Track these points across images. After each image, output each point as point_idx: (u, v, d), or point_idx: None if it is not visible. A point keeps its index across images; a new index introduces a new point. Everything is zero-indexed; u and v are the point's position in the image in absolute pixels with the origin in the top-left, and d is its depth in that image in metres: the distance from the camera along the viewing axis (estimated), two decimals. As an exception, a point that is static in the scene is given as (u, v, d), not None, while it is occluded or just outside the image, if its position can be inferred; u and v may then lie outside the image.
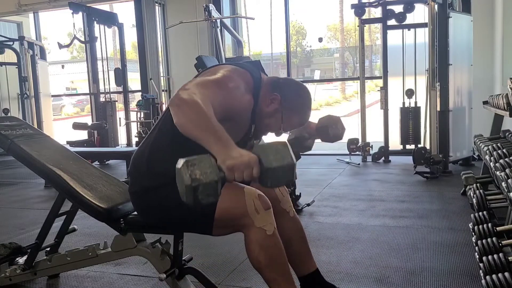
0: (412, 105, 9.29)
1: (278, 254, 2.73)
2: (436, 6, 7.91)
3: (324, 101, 30.89)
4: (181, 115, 2.39)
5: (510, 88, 4.54)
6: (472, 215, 4.09)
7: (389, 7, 9.41)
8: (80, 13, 11.36)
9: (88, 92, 13.02)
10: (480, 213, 4.02)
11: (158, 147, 2.88)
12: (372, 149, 9.92)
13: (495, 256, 3.04)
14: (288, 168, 2.24)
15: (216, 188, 2.15)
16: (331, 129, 3.16)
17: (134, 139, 11.73)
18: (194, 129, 2.36)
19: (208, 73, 2.75)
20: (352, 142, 9.86)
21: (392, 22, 9.50)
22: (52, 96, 14.43)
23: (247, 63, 3.00)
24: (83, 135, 11.84)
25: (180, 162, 2.17)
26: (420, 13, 9.11)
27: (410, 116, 9.30)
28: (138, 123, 11.44)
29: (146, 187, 2.88)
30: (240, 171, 2.21)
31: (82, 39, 12.31)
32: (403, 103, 9.35)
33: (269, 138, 3.03)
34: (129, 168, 3.06)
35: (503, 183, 3.31)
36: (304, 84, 3.01)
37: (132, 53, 23.22)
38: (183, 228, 2.77)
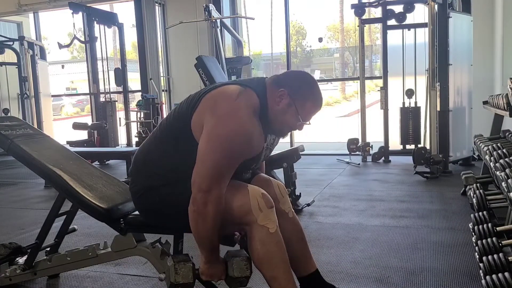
0: (412, 105, 9.29)
1: (279, 252, 2.76)
2: (436, 6, 7.91)
3: (324, 101, 30.74)
4: (194, 224, 2.71)
5: (510, 88, 4.54)
6: (472, 215, 4.10)
7: (389, 7, 9.41)
8: (80, 13, 11.36)
9: (88, 92, 13.03)
10: (480, 213, 4.03)
11: (160, 147, 2.90)
12: (372, 149, 9.92)
13: (495, 256, 3.04)
14: (244, 278, 2.90)
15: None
16: None
17: (134, 139, 11.73)
18: (197, 238, 2.77)
19: (215, 115, 2.70)
20: (352, 142, 9.87)
21: (392, 22, 9.50)
22: (52, 96, 14.41)
23: (251, 80, 2.99)
24: (83, 135, 11.85)
25: (170, 261, 2.95)
26: (420, 13, 9.11)
27: (410, 116, 9.30)
28: (138, 123, 11.44)
29: (147, 186, 2.90)
30: (208, 277, 2.94)
31: (82, 39, 12.32)
32: (403, 103, 9.35)
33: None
34: (131, 168, 3.07)
35: (503, 183, 3.31)
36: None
37: (132, 53, 23.23)
38: (185, 227, 2.77)
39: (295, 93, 2.81)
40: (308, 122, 2.93)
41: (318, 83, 2.96)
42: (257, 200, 2.72)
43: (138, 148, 3.15)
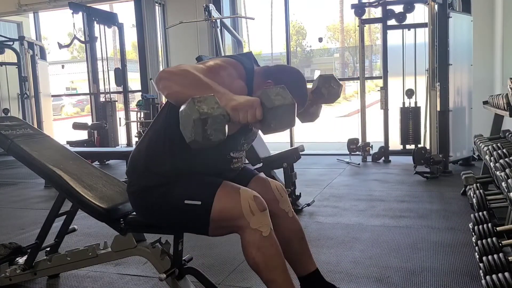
0: (412, 105, 9.30)
1: (275, 255, 2.72)
2: (436, 6, 7.91)
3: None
4: (173, 84, 2.40)
5: (510, 88, 4.54)
6: (472, 215, 4.10)
7: (389, 7, 9.42)
8: (80, 13, 11.37)
9: (88, 92, 13.04)
10: (480, 213, 4.03)
11: (154, 147, 2.89)
12: (372, 149, 9.92)
13: (495, 256, 3.05)
14: (289, 108, 2.31)
15: (224, 122, 2.20)
16: (324, 88, 3.12)
17: (134, 139, 11.75)
18: (189, 91, 2.33)
19: (200, 64, 2.69)
20: (352, 142, 9.87)
21: (392, 22, 9.50)
22: (52, 96, 14.41)
23: (239, 55, 2.98)
24: (83, 135, 11.86)
25: (185, 102, 2.19)
26: (420, 13, 9.11)
27: (410, 116, 9.30)
28: (138, 123, 11.45)
29: (144, 187, 2.88)
30: (244, 111, 2.28)
31: (82, 39, 12.32)
32: (403, 103, 9.36)
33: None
34: (127, 169, 3.06)
35: (503, 183, 3.31)
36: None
37: (132, 53, 23.24)
38: (180, 228, 2.77)
39: None
40: None
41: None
42: (248, 204, 2.67)
43: (134, 148, 3.14)
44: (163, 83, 2.41)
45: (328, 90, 3.13)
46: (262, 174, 3.25)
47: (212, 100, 2.18)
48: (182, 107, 2.20)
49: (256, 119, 2.31)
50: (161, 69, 12.50)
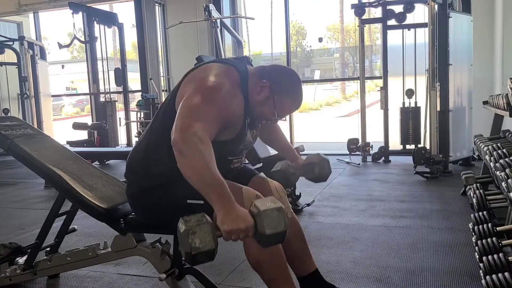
0: (412, 105, 9.29)
1: (276, 255, 2.74)
2: (436, 6, 7.91)
3: (324, 101, 30.93)
4: (186, 166, 2.43)
5: (510, 88, 4.54)
6: (472, 215, 4.10)
7: (389, 7, 9.41)
8: (80, 13, 11.37)
9: (88, 92, 13.04)
10: (480, 213, 4.03)
11: (152, 148, 2.90)
12: (372, 149, 9.92)
13: (495, 256, 3.05)
14: (279, 235, 2.34)
15: (213, 254, 2.29)
16: (317, 168, 3.16)
17: (134, 139, 11.75)
18: (197, 183, 2.41)
19: (194, 82, 2.71)
20: (352, 142, 9.87)
21: (392, 22, 9.50)
22: (52, 96, 14.42)
23: (233, 59, 2.99)
24: (83, 135, 11.86)
25: (182, 228, 2.25)
26: (420, 13, 9.11)
27: (410, 116, 9.30)
28: (138, 123, 11.45)
29: (143, 188, 2.89)
30: (236, 235, 2.32)
31: (82, 39, 12.32)
32: (403, 103, 9.35)
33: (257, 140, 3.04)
34: (125, 171, 3.06)
35: (503, 183, 3.31)
36: (302, 81, 2.99)
37: (132, 53, 23.23)
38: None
39: (277, 88, 2.79)
40: (283, 119, 2.95)
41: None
42: (251, 203, 2.65)
43: (132, 148, 3.13)
44: (178, 157, 2.44)
45: (321, 171, 3.17)
46: (261, 174, 3.25)
47: (206, 230, 2.25)
48: (179, 228, 2.27)
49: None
50: (161, 69, 12.55)
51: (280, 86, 2.80)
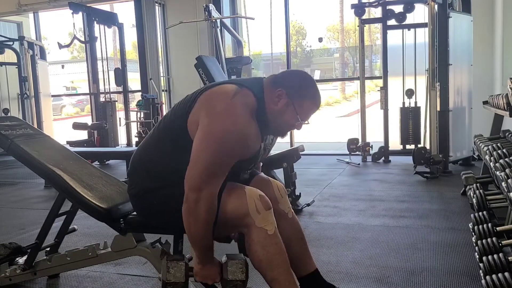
0: (412, 105, 9.29)
1: (279, 254, 2.75)
2: (436, 6, 7.91)
3: (324, 101, 30.92)
4: (187, 223, 2.68)
5: (510, 88, 4.54)
6: (472, 215, 4.10)
7: (389, 7, 9.41)
8: (80, 13, 11.38)
9: (88, 92, 13.05)
10: (480, 213, 4.03)
11: (157, 149, 2.91)
12: (372, 149, 9.92)
13: (495, 256, 3.05)
14: (239, 282, 2.81)
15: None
16: None
17: (134, 139, 11.74)
18: (190, 238, 2.75)
19: (210, 114, 2.70)
20: (352, 142, 9.88)
21: (392, 22, 9.50)
22: (52, 96, 14.42)
23: (248, 79, 2.99)
24: (83, 135, 11.87)
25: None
26: (420, 13, 9.11)
27: (410, 116, 9.30)
28: (138, 123, 11.45)
29: (146, 188, 2.90)
30: (201, 278, 2.88)
31: (82, 39, 12.32)
32: (403, 103, 9.35)
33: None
34: (128, 170, 3.07)
35: (503, 183, 3.31)
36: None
37: (132, 53, 23.23)
38: (182, 229, 2.77)
39: (293, 92, 2.79)
40: (307, 122, 2.93)
41: (318, 83, 2.95)
42: (254, 202, 2.71)
43: (136, 148, 3.14)
44: (184, 213, 2.68)
45: None
46: (262, 174, 3.25)
47: (180, 270, 2.85)
48: (162, 260, 2.92)
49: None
50: (161, 69, 12.56)
51: (296, 90, 2.81)
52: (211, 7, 10.61)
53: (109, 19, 12.11)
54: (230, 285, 2.79)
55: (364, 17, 9.95)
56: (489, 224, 3.68)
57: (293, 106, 2.79)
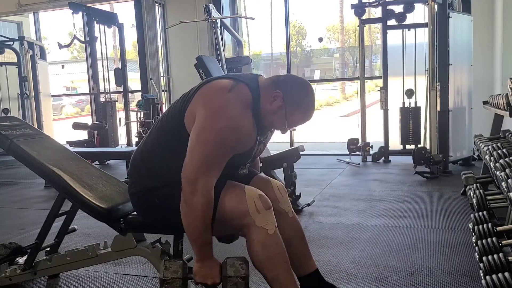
0: (412, 105, 9.30)
1: (279, 253, 2.76)
2: (436, 6, 7.91)
3: (324, 101, 30.94)
4: (185, 215, 2.70)
5: (510, 88, 4.55)
6: (472, 215, 4.10)
7: (389, 7, 9.41)
8: (80, 13, 11.38)
9: (88, 92, 13.05)
10: (480, 213, 4.03)
11: (157, 148, 2.92)
12: (372, 149, 9.93)
13: (495, 256, 3.05)
14: (240, 279, 2.75)
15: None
16: None
17: (134, 139, 11.75)
18: (188, 232, 2.76)
19: (206, 107, 2.73)
20: (352, 142, 9.88)
21: (392, 22, 9.50)
22: (52, 96, 14.43)
23: (245, 75, 2.98)
24: (83, 135, 11.87)
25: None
26: (420, 13, 9.12)
27: (410, 116, 9.30)
28: (138, 123, 11.45)
29: (146, 187, 2.91)
30: (201, 278, 2.82)
31: (82, 39, 12.33)
32: (403, 103, 9.36)
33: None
34: (129, 169, 3.08)
35: (503, 183, 3.32)
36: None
37: (132, 53, 23.23)
38: (182, 228, 2.77)
39: (289, 98, 2.80)
40: (293, 128, 2.98)
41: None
42: (254, 202, 2.72)
43: (135, 149, 3.15)
44: (181, 207, 2.70)
45: None
46: (262, 174, 3.26)
47: (178, 267, 2.82)
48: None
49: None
50: (161, 69, 12.57)
51: (293, 97, 2.81)
52: (211, 7, 10.62)
53: (109, 19, 12.11)
54: (230, 283, 2.73)
55: (364, 17, 9.95)
56: (489, 224, 3.68)
57: (285, 111, 2.80)
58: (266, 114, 2.82)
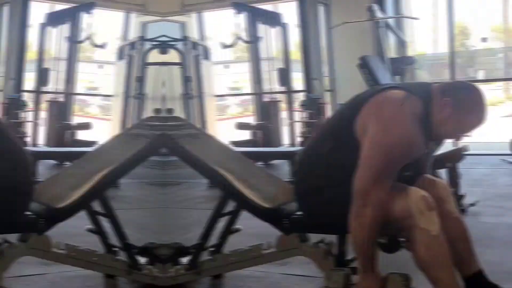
0: None
1: (443, 254, 2.76)
2: None
3: (488, 101, 30.31)
4: (354, 224, 2.72)
5: None
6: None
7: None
8: (244, 13, 11.57)
9: (251, 92, 13.35)
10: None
11: (323, 148, 2.98)
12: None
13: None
14: None
15: None
16: None
17: (298, 139, 11.83)
18: (354, 242, 2.78)
19: (378, 121, 2.76)
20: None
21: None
22: (216, 96, 14.64)
23: (416, 84, 3.01)
24: (247, 135, 12.12)
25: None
26: None
27: None
28: (302, 123, 11.53)
29: (312, 187, 3.00)
30: None
31: (246, 39, 12.52)
32: None
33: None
34: (294, 169, 3.15)
35: None
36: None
37: (295, 53, 23.39)
38: (347, 228, 2.81)
39: (458, 105, 2.78)
40: (468, 134, 2.94)
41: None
42: (418, 203, 2.71)
43: (301, 148, 3.22)
44: (350, 218, 2.72)
45: None
46: (427, 174, 3.24)
47: (340, 278, 2.90)
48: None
49: None
50: (324, 69, 12.60)
51: (462, 102, 2.80)
52: (375, 7, 10.58)
53: (273, 19, 12.26)
54: None
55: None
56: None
57: (456, 118, 2.79)
58: (437, 124, 2.81)
